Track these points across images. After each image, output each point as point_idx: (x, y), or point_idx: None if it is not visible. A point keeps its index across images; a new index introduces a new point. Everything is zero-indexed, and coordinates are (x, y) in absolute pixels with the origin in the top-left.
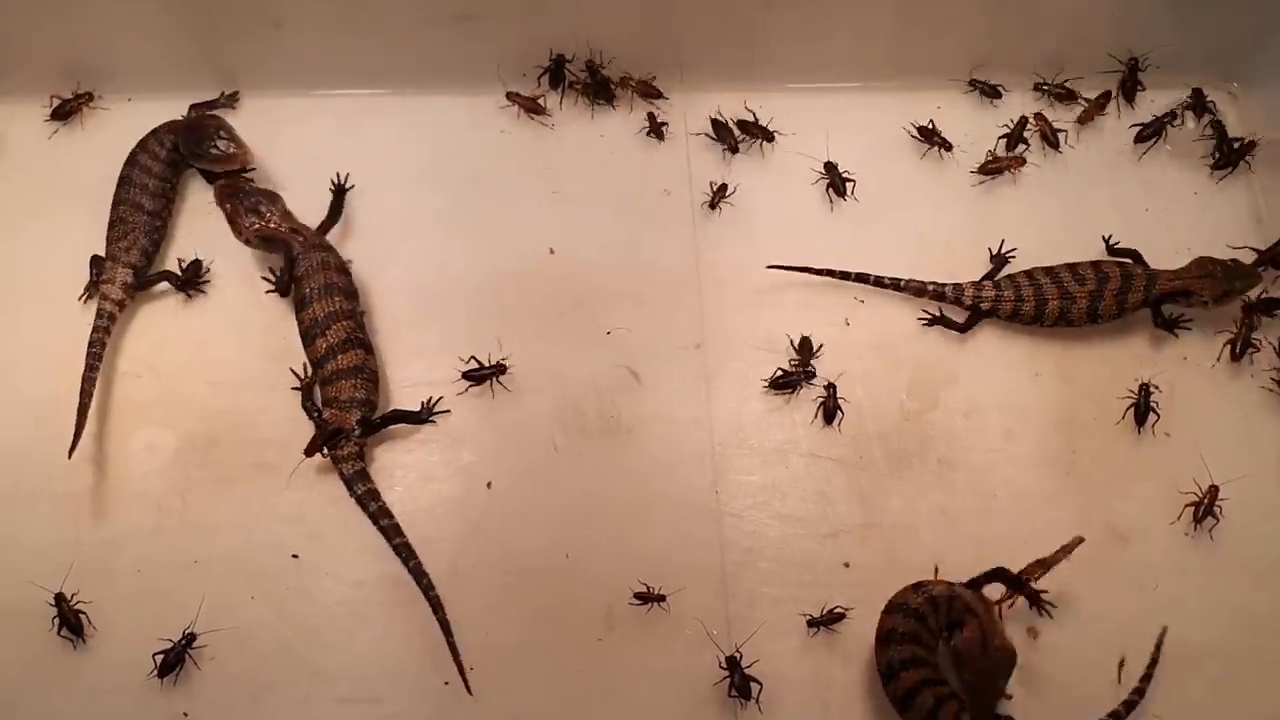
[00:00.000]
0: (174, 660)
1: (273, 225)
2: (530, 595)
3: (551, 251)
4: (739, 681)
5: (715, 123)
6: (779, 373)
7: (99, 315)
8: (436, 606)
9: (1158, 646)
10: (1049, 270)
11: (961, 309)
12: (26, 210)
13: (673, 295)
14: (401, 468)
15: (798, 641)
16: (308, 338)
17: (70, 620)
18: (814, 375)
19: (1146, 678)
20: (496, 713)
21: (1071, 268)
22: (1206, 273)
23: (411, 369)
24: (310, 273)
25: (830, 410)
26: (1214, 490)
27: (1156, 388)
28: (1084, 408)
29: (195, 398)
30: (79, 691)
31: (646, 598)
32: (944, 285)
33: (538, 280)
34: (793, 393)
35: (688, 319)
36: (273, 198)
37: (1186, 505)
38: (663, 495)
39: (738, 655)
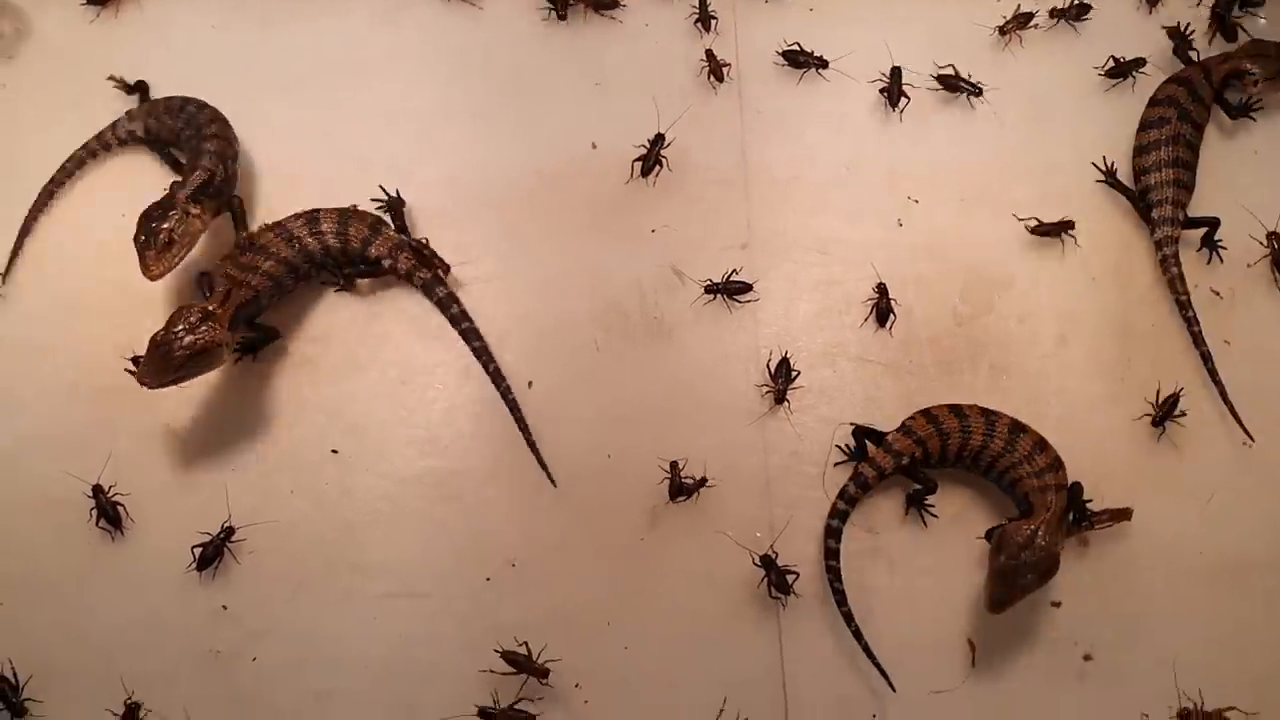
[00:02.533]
0: (212, 554)
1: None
2: (572, 494)
3: (594, 147)
4: (776, 579)
5: (788, 54)
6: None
7: (98, 135)
8: (514, 408)
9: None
10: (1145, 127)
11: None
12: (56, 100)
13: (719, 193)
14: (442, 365)
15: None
16: (312, 257)
17: (108, 512)
18: (784, 399)
19: None
20: (538, 609)
21: (1150, 117)
22: (1261, 53)
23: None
24: (268, 244)
25: (883, 312)
26: None
27: (1217, 294)
28: (1141, 314)
29: None
30: (118, 583)
31: (688, 489)
32: None
33: (580, 177)
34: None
35: (734, 218)
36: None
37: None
38: (706, 398)
39: (772, 554)
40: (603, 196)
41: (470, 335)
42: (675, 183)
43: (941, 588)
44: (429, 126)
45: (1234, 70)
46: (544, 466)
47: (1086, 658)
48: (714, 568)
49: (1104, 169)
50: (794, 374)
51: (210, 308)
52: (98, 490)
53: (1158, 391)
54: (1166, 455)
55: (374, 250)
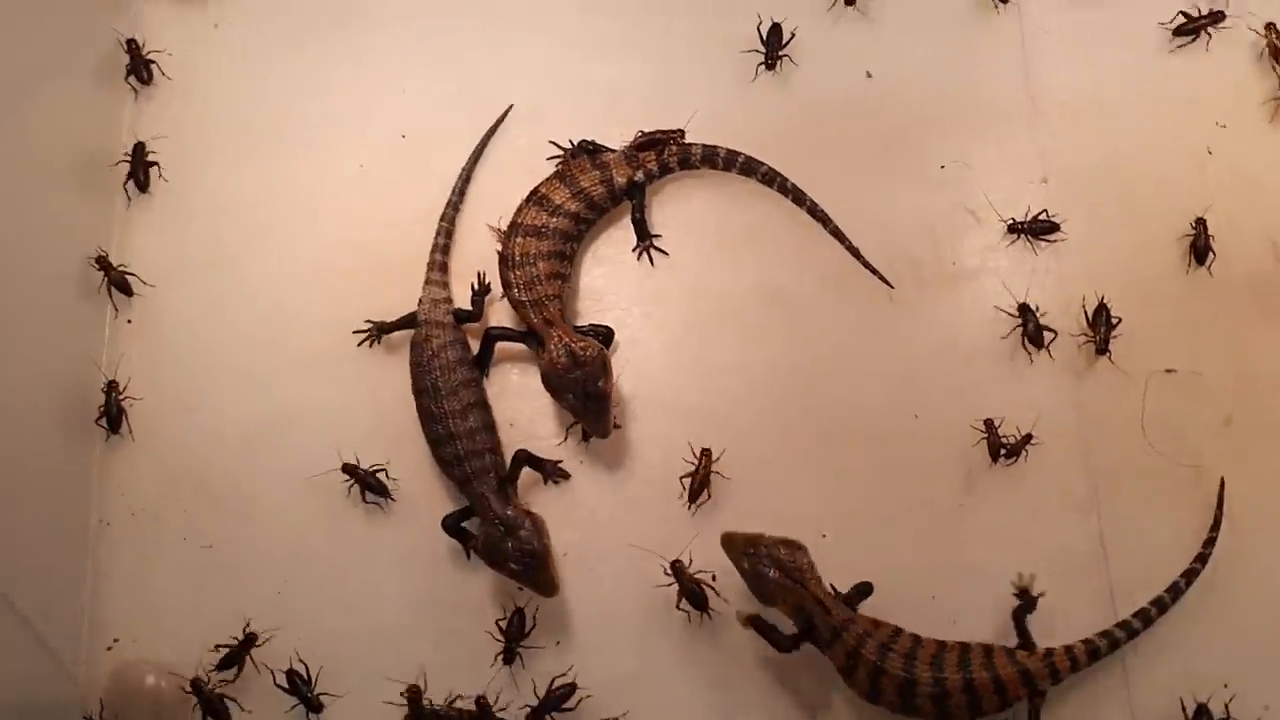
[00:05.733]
0: None
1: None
2: (879, 459)
3: (868, 75)
4: None
5: None
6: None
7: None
8: (825, 220)
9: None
10: None
11: None
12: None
13: (1010, 122)
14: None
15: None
16: (569, 234)
17: (370, 482)
18: (1106, 348)
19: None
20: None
21: None
22: None
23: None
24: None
25: (1201, 250)
26: None
27: None
28: None
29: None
30: (394, 559)
31: (1012, 448)
32: None
33: (854, 109)
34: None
35: (1024, 150)
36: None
37: None
38: (1012, 350)
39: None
40: (881, 130)
41: (751, 165)
42: (961, 112)
43: None
44: (682, 57)
45: None
46: (874, 271)
47: None
48: (1043, 533)
49: None
50: (1114, 320)
51: (562, 337)
52: (349, 469)
53: None
54: None
55: (618, 178)
